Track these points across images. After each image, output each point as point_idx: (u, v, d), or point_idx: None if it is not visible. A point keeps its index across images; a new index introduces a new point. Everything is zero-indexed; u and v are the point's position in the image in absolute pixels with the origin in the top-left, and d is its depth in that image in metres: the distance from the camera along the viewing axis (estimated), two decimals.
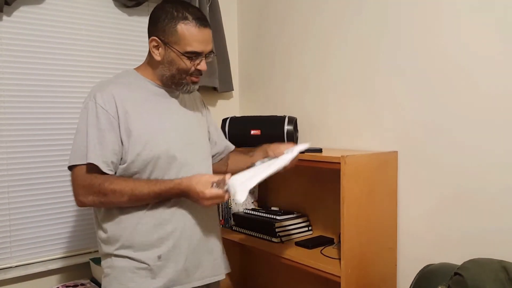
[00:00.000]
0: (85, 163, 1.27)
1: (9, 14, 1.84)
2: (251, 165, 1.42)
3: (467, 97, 1.50)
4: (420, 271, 1.45)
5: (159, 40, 1.32)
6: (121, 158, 1.31)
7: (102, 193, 1.26)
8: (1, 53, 1.83)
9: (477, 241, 1.48)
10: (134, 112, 1.31)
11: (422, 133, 1.64)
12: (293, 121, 1.96)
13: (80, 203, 1.31)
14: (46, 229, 1.96)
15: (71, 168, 1.32)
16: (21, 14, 1.87)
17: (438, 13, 1.57)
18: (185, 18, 1.30)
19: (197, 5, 2.17)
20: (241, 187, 1.26)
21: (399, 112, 1.71)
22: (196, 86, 1.42)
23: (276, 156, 1.41)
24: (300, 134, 2.12)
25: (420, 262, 1.54)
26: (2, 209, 1.85)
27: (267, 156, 1.46)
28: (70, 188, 1.95)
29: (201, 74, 1.39)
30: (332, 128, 1.99)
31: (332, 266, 1.60)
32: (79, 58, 2.02)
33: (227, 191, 1.27)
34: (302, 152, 1.69)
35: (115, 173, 1.32)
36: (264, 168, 1.34)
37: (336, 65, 1.96)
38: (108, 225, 1.35)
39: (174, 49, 1.31)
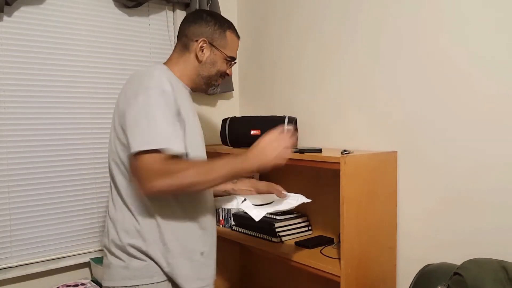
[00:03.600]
0: (163, 147, 1.19)
1: (9, 15, 1.84)
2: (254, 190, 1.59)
3: (467, 98, 1.50)
4: (419, 271, 1.45)
5: (207, 42, 1.40)
6: None
7: (174, 172, 1.18)
8: (1, 53, 1.83)
9: (477, 241, 1.49)
10: (182, 108, 1.31)
11: (421, 133, 1.64)
12: (293, 121, 1.97)
13: (149, 190, 1.19)
14: (46, 229, 1.96)
15: (138, 154, 1.20)
16: (22, 14, 1.87)
17: (438, 14, 1.57)
18: (230, 27, 1.46)
19: (197, 5, 2.18)
20: (259, 211, 1.41)
21: (398, 112, 1.72)
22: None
23: (269, 192, 1.54)
24: (300, 134, 2.12)
25: (419, 262, 1.54)
26: (3, 209, 1.85)
27: (253, 187, 1.58)
28: (70, 188, 2.01)
29: (224, 78, 1.51)
30: (332, 128, 1.99)
31: (332, 266, 1.60)
32: (79, 58, 2.02)
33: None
34: (302, 152, 1.70)
35: None
36: (279, 203, 1.50)
37: (337, 64, 1.96)
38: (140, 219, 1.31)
39: (221, 52, 1.42)
